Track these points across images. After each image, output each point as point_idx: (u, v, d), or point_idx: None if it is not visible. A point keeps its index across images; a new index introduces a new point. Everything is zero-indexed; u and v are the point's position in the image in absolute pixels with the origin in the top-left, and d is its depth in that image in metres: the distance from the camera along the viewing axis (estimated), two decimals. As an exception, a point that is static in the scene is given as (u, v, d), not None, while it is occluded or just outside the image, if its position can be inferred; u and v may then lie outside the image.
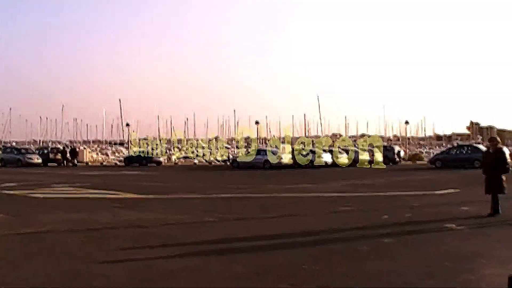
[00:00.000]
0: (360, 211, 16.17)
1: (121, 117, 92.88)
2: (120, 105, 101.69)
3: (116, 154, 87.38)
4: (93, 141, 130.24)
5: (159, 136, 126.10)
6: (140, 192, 23.12)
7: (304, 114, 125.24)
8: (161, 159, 64.25)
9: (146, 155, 62.53)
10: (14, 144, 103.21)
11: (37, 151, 63.73)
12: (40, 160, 58.32)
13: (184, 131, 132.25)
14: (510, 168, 14.62)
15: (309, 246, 10.51)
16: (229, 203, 18.88)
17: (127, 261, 9.26)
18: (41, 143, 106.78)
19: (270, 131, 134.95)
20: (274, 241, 11.11)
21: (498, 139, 15.21)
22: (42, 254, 9.92)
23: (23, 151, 61.29)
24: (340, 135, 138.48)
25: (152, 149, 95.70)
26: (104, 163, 68.04)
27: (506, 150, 15.20)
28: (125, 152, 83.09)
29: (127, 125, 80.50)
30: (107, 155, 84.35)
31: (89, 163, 66.49)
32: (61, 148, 66.34)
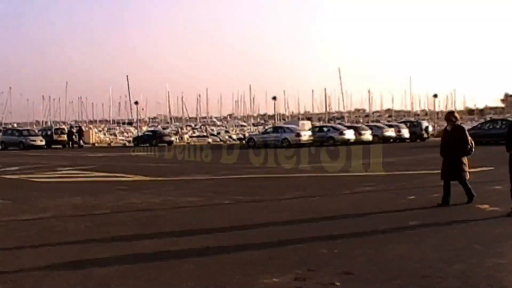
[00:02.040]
0: (384, 191, 16.06)
1: (129, 95, 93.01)
2: (128, 81, 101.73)
3: (125, 134, 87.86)
4: (100, 121, 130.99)
5: (169, 114, 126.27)
6: (147, 174, 23.19)
7: (325, 89, 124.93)
8: (172, 138, 64.20)
9: (156, 135, 62.41)
10: (15, 125, 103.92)
11: (40, 133, 63.89)
12: (43, 142, 58.50)
13: (197, 109, 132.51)
14: (473, 150, 12.91)
15: (328, 229, 10.44)
16: (243, 184, 18.85)
17: (131, 247, 9.25)
18: (44, 124, 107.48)
19: (288, 107, 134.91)
20: (291, 225, 11.06)
21: (457, 115, 13.42)
22: (42, 241, 9.93)
23: (25, 132, 61.40)
24: (364, 110, 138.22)
25: (163, 128, 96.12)
26: (111, 144, 68.33)
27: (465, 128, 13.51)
28: (134, 131, 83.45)
29: (136, 103, 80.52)
30: (114, 135, 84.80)
31: (96, 144, 66.80)
32: (66, 128, 66.53)
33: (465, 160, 12.90)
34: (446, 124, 13.69)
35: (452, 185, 13.02)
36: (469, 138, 12.87)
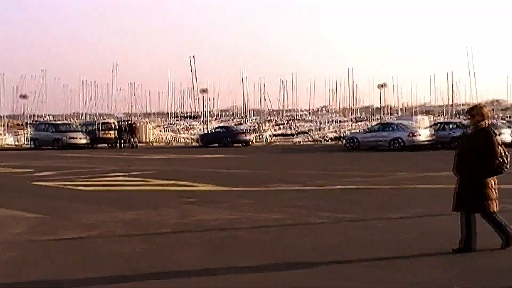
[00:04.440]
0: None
1: (194, 81, 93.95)
2: (192, 64, 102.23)
3: (189, 131, 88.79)
4: (157, 114, 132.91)
5: (244, 106, 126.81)
6: (220, 183, 23.35)
7: (448, 74, 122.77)
8: (249, 137, 64.49)
9: (230, 132, 62.74)
10: (50, 118, 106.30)
11: (81, 128, 65.05)
12: (85, 140, 59.67)
13: (280, 99, 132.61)
14: (505, 166, 10.70)
15: (452, 262, 10.18)
16: (341, 198, 18.71)
17: (201, 281, 9.27)
18: (86, 117, 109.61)
19: (400, 98, 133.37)
20: (402, 253, 10.84)
21: (486, 110, 11.06)
22: (86, 268, 10.08)
23: (62, 128, 62.64)
24: (499, 102, 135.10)
25: (238, 124, 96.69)
26: (172, 143, 69.21)
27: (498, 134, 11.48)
28: (200, 128, 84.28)
29: (203, 91, 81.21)
30: (176, 132, 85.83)
31: (152, 143, 67.79)
32: (114, 123, 67.45)
33: (491, 182, 10.72)
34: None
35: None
36: (500, 148, 10.68)
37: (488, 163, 10.53)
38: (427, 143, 47.64)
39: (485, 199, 10.60)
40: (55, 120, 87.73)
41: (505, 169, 10.62)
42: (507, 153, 10.57)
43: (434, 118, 71.21)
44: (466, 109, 11.41)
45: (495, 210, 10.70)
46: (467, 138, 11.44)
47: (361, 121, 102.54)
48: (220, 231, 13.36)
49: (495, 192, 10.73)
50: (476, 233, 10.64)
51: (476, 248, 10.52)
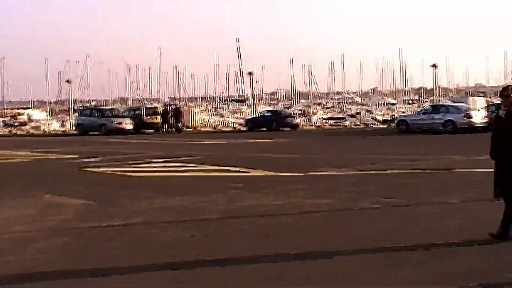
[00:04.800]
0: None
1: (240, 64, 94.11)
2: (238, 46, 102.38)
3: (235, 114, 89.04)
4: (202, 98, 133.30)
5: (293, 88, 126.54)
6: (268, 168, 23.35)
7: (505, 52, 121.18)
8: (298, 120, 64.38)
9: (276, 116, 62.64)
10: (94, 103, 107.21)
11: (126, 113, 65.57)
12: (131, 125, 60.14)
13: (328, 81, 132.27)
14: None
15: (506, 249, 10.04)
16: (392, 182, 18.59)
17: (252, 270, 9.28)
18: (131, 102, 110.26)
19: (452, 79, 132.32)
20: (454, 239, 10.71)
21: None
22: (134, 256, 10.19)
23: (107, 113, 63.31)
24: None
25: (286, 107, 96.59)
26: (217, 128, 69.39)
27: None
28: (247, 112, 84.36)
29: (249, 74, 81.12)
30: (222, 116, 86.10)
31: (198, 128, 68.04)
32: (160, 108, 67.78)
33: None
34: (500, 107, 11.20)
35: None
36: None
37: None
38: (481, 125, 47.05)
39: None
40: (99, 105, 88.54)
41: None
42: None
43: (487, 99, 70.24)
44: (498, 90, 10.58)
45: None
46: (500, 120, 10.79)
47: (412, 103, 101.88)
48: (268, 217, 13.38)
49: None
50: None
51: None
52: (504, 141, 10.31)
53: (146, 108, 66.68)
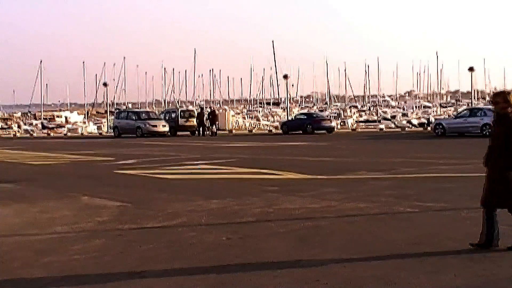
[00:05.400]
0: None
1: (275, 67, 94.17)
2: (274, 49, 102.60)
3: (270, 118, 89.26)
4: (237, 101, 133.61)
5: (328, 91, 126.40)
6: (303, 171, 23.34)
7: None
8: (334, 123, 64.30)
9: (312, 119, 62.62)
10: (130, 106, 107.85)
11: (162, 116, 65.90)
12: (166, 128, 60.52)
13: (364, 84, 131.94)
14: None
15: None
16: (430, 186, 18.46)
17: (291, 274, 9.25)
18: (167, 105, 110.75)
19: (490, 82, 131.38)
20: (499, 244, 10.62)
21: (510, 96, 10.25)
22: (173, 258, 10.18)
23: (143, 116, 63.60)
24: None
25: (321, 110, 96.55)
26: (253, 131, 69.51)
27: None
28: (282, 115, 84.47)
29: (285, 77, 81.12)
30: (257, 119, 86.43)
31: (233, 131, 68.19)
32: (196, 110, 68.01)
33: None
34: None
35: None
36: None
37: (510, 154, 9.90)
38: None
39: (509, 194, 9.96)
40: (136, 108, 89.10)
41: None
42: None
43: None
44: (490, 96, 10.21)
45: None
46: (492, 127, 10.76)
47: (449, 107, 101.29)
48: (304, 220, 13.35)
49: None
50: (496, 227, 10.09)
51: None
52: (495, 148, 10.18)
53: (182, 111, 66.87)
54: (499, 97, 10.34)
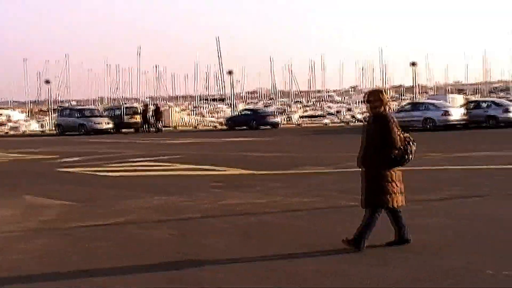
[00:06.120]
0: None
1: (220, 63, 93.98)
2: (218, 45, 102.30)
3: (215, 114, 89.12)
4: (183, 97, 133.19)
5: (273, 87, 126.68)
6: (248, 167, 23.41)
7: (484, 50, 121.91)
8: (278, 119, 64.47)
9: (257, 114, 62.73)
10: (74, 103, 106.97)
11: (106, 113, 65.50)
12: (111, 125, 60.12)
13: (309, 80, 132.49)
14: (408, 157, 10.14)
15: (485, 246, 10.17)
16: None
17: (233, 270, 9.34)
18: (111, 102, 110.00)
19: (432, 76, 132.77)
20: (438, 236, 10.86)
21: (385, 95, 10.40)
22: (121, 255, 10.25)
23: (87, 113, 63.26)
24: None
25: (266, 105, 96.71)
26: (198, 127, 69.39)
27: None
28: (227, 111, 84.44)
29: (230, 73, 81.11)
30: (202, 115, 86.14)
31: (178, 127, 68.01)
32: (140, 107, 67.71)
33: (390, 174, 10.13)
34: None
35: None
36: (398, 135, 10.10)
37: (385, 152, 9.99)
38: (460, 122, 47.35)
39: (383, 193, 10.07)
40: (79, 105, 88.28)
41: (407, 160, 10.10)
42: (411, 142, 10.16)
43: (466, 97, 70.73)
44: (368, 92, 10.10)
45: (397, 205, 10.17)
46: (367, 126, 10.57)
47: (392, 101, 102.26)
48: (249, 216, 13.48)
49: (397, 186, 10.16)
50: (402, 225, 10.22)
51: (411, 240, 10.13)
52: (369, 148, 10.24)
53: (126, 108, 66.59)
54: (372, 96, 10.30)
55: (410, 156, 10.08)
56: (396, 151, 9.93)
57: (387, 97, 10.36)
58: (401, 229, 10.16)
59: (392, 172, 10.09)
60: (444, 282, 8.17)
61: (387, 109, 10.23)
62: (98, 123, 59.69)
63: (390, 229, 10.21)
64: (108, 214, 14.17)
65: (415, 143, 10.21)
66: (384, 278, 8.44)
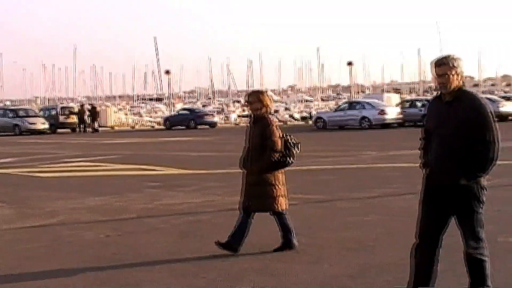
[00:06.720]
0: None
1: (158, 63, 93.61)
2: (156, 45, 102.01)
3: (153, 113, 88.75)
4: (120, 97, 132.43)
5: (211, 86, 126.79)
6: (186, 166, 23.39)
7: (419, 50, 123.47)
8: (216, 118, 64.53)
9: (194, 114, 62.75)
10: (8, 103, 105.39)
11: (41, 113, 64.75)
12: (46, 125, 59.34)
13: (247, 80, 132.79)
14: (290, 160, 9.97)
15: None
16: (311, 179, 18.76)
17: (171, 268, 9.28)
18: (46, 102, 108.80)
19: (369, 76, 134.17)
20: (366, 233, 10.92)
21: (266, 96, 10.12)
22: (52, 258, 10.06)
23: (21, 113, 62.25)
24: (472, 78, 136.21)
25: (204, 105, 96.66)
26: (136, 127, 69.11)
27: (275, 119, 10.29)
28: (165, 110, 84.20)
29: (167, 72, 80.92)
30: (140, 115, 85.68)
31: (115, 128, 67.63)
32: (76, 107, 67.20)
33: (272, 177, 9.84)
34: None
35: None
36: (282, 139, 9.90)
37: (267, 155, 9.71)
38: (396, 121, 47.94)
39: (266, 197, 9.78)
40: (13, 105, 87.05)
41: (290, 163, 9.94)
42: (293, 145, 10.01)
43: (402, 96, 71.65)
44: (246, 96, 9.93)
45: (281, 209, 9.89)
46: (250, 128, 10.25)
47: (329, 100, 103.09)
48: (185, 215, 13.44)
49: (280, 188, 9.86)
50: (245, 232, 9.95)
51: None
52: (251, 151, 10.00)
53: (62, 107, 66.06)
54: (252, 97, 10.11)
55: (292, 159, 9.95)
56: (277, 154, 9.71)
57: (268, 99, 10.09)
58: (287, 233, 9.94)
59: (275, 175, 9.86)
60: (379, 277, 8.19)
61: (268, 111, 9.99)
62: (33, 123, 58.87)
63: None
64: (42, 216, 13.93)
65: (299, 146, 10.10)
66: (321, 274, 8.48)
